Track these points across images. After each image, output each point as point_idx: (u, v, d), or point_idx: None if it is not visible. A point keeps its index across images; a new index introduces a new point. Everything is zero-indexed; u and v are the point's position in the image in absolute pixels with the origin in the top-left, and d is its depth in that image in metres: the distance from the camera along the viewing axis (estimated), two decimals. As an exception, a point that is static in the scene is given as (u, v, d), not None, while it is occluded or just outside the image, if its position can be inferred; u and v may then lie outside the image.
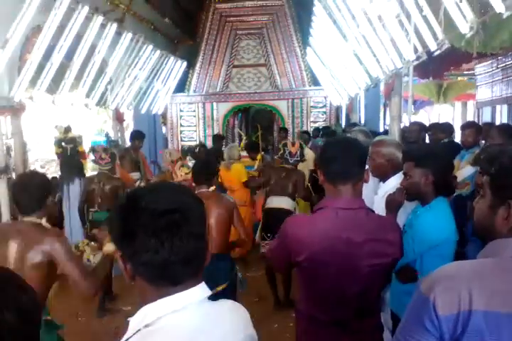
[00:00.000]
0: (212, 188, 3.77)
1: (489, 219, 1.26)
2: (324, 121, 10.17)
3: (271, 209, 5.21)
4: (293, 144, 5.30)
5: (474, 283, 1.13)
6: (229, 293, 3.59)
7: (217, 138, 8.65)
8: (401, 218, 2.56)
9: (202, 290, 1.13)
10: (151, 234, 1.03)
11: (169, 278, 1.08)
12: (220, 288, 3.47)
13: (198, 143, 9.56)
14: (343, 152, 1.96)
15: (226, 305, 1.21)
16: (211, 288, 3.47)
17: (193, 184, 3.94)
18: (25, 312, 0.83)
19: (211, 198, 3.57)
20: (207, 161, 4.08)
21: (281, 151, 5.30)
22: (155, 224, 1.04)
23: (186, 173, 5.14)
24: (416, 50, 4.39)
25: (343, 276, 1.92)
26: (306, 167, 6.15)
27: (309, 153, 6.72)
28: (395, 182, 2.78)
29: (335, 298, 1.97)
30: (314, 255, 1.91)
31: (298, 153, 5.23)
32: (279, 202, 5.17)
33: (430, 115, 15.97)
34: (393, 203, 2.52)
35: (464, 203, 3.73)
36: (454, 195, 3.50)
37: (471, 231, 2.86)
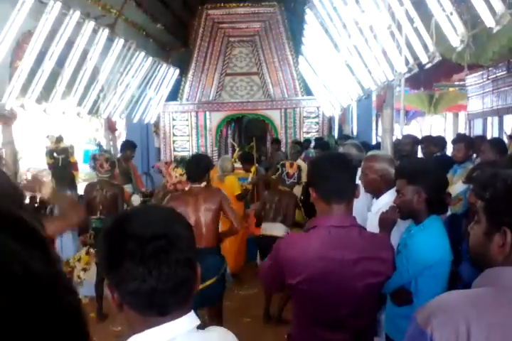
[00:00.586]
0: (204, 184, 3.92)
1: (484, 246, 1.22)
2: (317, 131, 10.15)
3: (264, 236, 5.17)
4: (291, 165, 5.31)
5: (472, 315, 1.10)
6: (217, 288, 3.73)
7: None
8: (394, 236, 2.53)
9: (190, 319, 1.10)
10: (138, 261, 1.01)
11: (157, 308, 1.04)
12: (208, 283, 3.55)
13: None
14: (337, 169, 1.94)
15: (215, 334, 1.17)
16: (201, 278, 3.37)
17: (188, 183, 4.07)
18: None
19: (201, 193, 3.79)
20: (198, 158, 4.22)
21: (279, 171, 5.31)
22: (142, 251, 1.01)
23: (181, 174, 5.09)
24: (407, 62, 4.40)
25: (338, 296, 1.89)
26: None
27: (302, 165, 6.71)
28: (388, 198, 2.75)
29: (330, 319, 1.94)
30: (308, 276, 1.88)
31: (295, 174, 5.23)
32: (272, 229, 5.15)
33: (422, 126, 16.05)
34: (386, 221, 2.48)
35: (459, 221, 3.71)
36: (449, 213, 3.49)
37: (466, 250, 2.85)
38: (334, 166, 1.96)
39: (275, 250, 1.99)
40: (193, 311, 1.12)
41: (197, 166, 3.92)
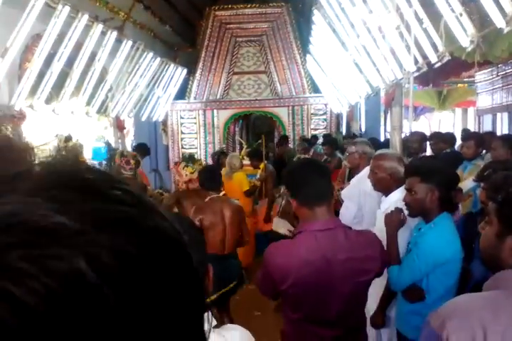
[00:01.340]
0: (223, 193, 4.15)
1: (496, 248, 1.22)
2: (325, 128, 10.15)
3: (270, 231, 5.25)
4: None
5: (488, 319, 1.10)
6: (237, 288, 4.05)
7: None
8: (404, 234, 2.56)
9: (206, 320, 1.12)
10: None
11: None
12: (232, 285, 3.82)
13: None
14: (312, 174, 1.99)
15: (237, 334, 1.19)
16: (227, 281, 3.63)
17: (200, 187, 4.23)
18: None
19: (224, 204, 3.98)
20: (211, 168, 4.44)
21: None
22: None
23: (191, 172, 5.11)
24: (416, 61, 4.37)
25: (329, 297, 1.93)
26: None
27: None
28: (397, 196, 2.76)
29: (321, 318, 1.98)
30: (298, 281, 1.91)
31: None
32: (277, 225, 5.19)
33: (431, 122, 15.96)
34: (393, 223, 2.50)
35: (473, 220, 3.71)
36: (465, 212, 3.50)
37: (478, 248, 2.86)
38: (309, 171, 2.00)
39: (264, 261, 2.02)
40: (209, 311, 1.13)
41: (212, 175, 4.12)
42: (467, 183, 4.16)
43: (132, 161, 5.28)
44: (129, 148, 7.98)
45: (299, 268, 1.89)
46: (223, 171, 6.97)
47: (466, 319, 1.13)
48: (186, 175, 5.04)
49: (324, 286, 1.90)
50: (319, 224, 1.94)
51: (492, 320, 1.10)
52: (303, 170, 2.03)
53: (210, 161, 9.24)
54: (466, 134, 5.44)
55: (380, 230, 2.59)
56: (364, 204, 3.54)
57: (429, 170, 2.42)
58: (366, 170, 3.38)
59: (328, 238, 1.92)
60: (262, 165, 6.94)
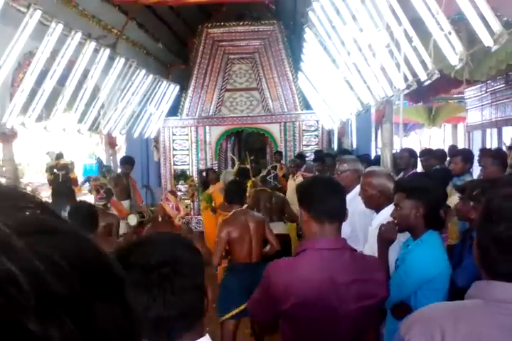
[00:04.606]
0: (245, 206, 4.37)
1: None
2: (317, 144, 10.21)
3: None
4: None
5: (448, 325, 1.18)
6: None
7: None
8: (394, 249, 2.55)
9: None
10: (143, 290, 1.01)
11: (165, 333, 1.04)
12: None
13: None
14: (331, 191, 1.97)
15: None
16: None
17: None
18: None
19: (246, 214, 4.21)
20: (240, 182, 4.68)
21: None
22: (146, 280, 1.02)
23: (186, 206, 5.08)
24: (406, 79, 4.43)
25: (332, 321, 1.85)
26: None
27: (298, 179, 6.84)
28: (387, 213, 2.75)
29: None
30: (300, 301, 1.84)
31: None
32: (275, 228, 5.26)
33: (421, 138, 16.09)
34: (385, 239, 2.49)
35: (463, 237, 3.60)
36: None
37: (463, 256, 2.87)
38: (328, 187, 1.99)
39: (264, 280, 1.96)
40: (207, 335, 1.11)
41: (238, 190, 4.33)
42: (455, 199, 4.17)
43: (100, 190, 5.08)
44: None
45: (302, 288, 1.83)
46: (216, 186, 6.99)
47: (428, 325, 1.21)
48: (183, 209, 4.80)
49: (328, 308, 1.82)
50: (325, 243, 1.88)
51: (452, 327, 1.17)
52: (322, 185, 2.01)
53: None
54: (455, 151, 5.49)
55: (371, 246, 2.58)
56: (358, 222, 3.54)
57: (415, 187, 2.43)
58: (358, 188, 3.38)
59: (333, 258, 1.86)
60: (249, 183, 6.94)
